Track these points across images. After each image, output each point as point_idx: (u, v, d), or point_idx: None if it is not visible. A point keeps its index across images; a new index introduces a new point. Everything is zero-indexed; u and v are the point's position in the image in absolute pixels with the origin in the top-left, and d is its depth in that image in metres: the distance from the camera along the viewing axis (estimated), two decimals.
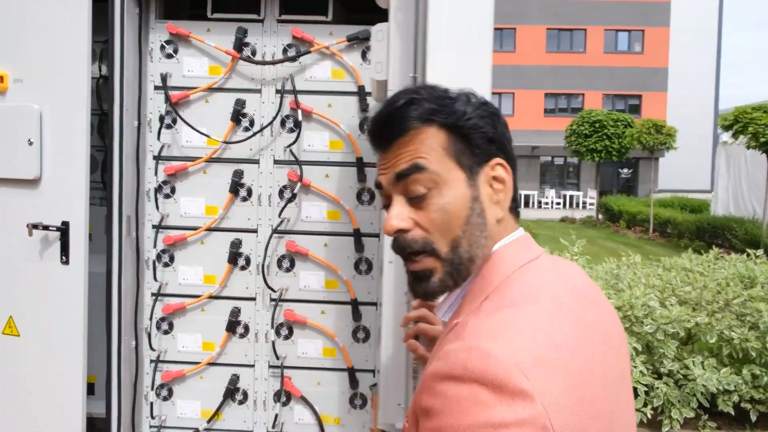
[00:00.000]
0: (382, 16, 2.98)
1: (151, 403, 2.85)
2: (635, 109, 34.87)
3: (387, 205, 1.19)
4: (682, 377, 4.36)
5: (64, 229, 2.47)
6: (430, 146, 1.11)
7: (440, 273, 1.11)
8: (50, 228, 2.46)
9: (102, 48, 2.90)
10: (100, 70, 3.02)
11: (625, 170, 36.75)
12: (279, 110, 2.75)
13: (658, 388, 4.33)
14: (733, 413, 4.36)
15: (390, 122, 1.14)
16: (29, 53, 2.48)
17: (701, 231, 14.83)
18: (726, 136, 17.43)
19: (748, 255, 5.24)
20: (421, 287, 1.14)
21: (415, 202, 1.12)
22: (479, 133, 1.12)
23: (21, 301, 2.55)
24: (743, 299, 4.46)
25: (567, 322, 0.97)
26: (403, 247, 1.13)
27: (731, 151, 17.81)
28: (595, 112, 22.72)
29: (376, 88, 1.83)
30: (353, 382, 2.85)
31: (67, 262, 2.49)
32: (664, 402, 4.34)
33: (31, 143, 2.45)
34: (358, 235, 2.80)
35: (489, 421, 0.80)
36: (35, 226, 2.44)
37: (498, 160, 1.13)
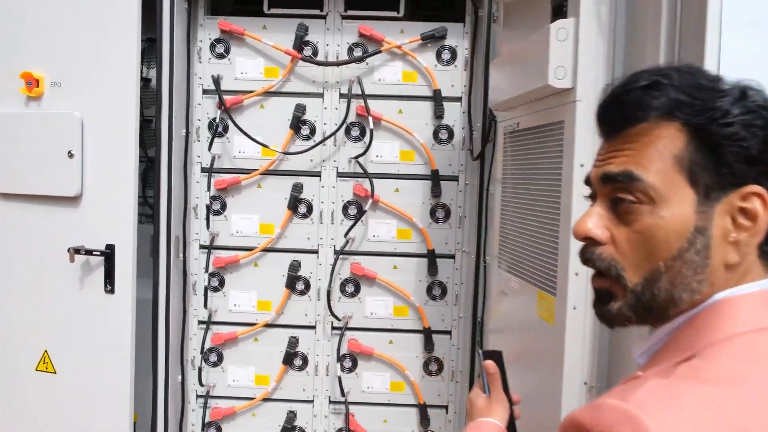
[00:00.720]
0: (453, 12, 2.70)
1: None
2: None
3: (592, 199, 0.93)
4: None
5: (108, 254, 2.16)
6: (658, 151, 0.81)
7: (621, 302, 0.86)
8: (94, 252, 2.15)
9: (143, 47, 2.58)
10: (141, 72, 2.70)
11: None
12: (345, 117, 2.45)
13: None
14: None
15: (620, 106, 0.86)
16: (69, 53, 2.17)
17: None
18: None
19: None
20: (598, 309, 0.89)
21: (620, 211, 0.85)
22: (736, 146, 0.80)
23: (58, 335, 2.25)
24: None
25: None
26: (588, 260, 0.88)
27: None
28: None
29: (534, 94, 1.53)
30: (425, 420, 2.55)
31: (112, 291, 2.18)
32: None
33: (71, 155, 2.15)
34: (432, 257, 2.51)
35: None
36: (77, 251, 2.13)
37: (756, 188, 0.81)
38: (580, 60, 1.37)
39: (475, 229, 2.38)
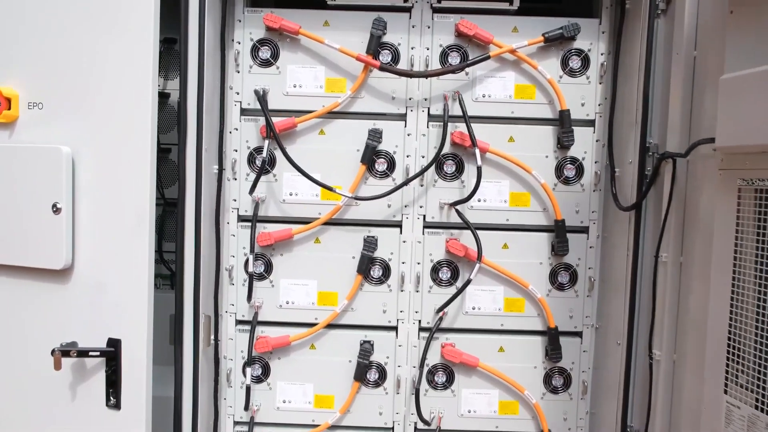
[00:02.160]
0: (573, 5, 2.03)
1: None
2: None
3: None
4: None
5: (112, 354, 1.48)
6: None
7: None
8: (90, 353, 1.47)
9: (160, 51, 1.90)
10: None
11: None
12: (441, 147, 1.78)
13: None
14: None
15: None
16: (55, 62, 1.50)
17: None
18: None
19: None
20: None
21: None
22: None
23: None
24: None
25: None
26: None
27: None
28: None
29: None
30: None
31: (117, 406, 1.51)
32: None
33: (57, 210, 1.47)
34: (554, 335, 1.84)
35: None
36: (65, 353, 1.45)
37: None
38: None
39: (625, 302, 1.71)
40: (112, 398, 1.51)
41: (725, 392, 1.25)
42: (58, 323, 1.50)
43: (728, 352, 1.25)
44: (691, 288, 1.52)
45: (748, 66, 1.19)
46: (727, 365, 1.25)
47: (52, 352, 1.44)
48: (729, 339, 1.24)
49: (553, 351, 1.85)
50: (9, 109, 1.50)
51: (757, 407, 1.16)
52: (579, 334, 1.89)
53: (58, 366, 1.44)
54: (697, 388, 1.43)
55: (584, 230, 1.86)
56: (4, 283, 1.55)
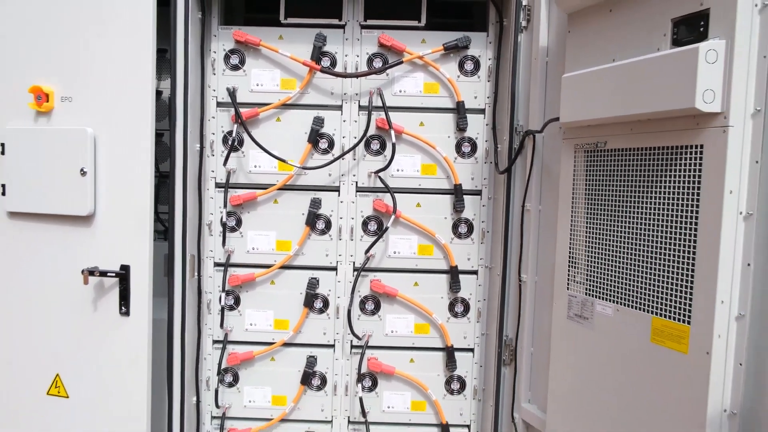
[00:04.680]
0: (474, 21, 2.63)
1: None
2: None
3: None
4: None
5: (123, 275, 2.08)
6: None
7: None
8: (108, 274, 2.07)
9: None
10: None
11: None
12: (366, 130, 2.37)
13: None
14: None
15: None
16: (80, 65, 2.09)
17: None
18: None
19: None
20: None
21: None
22: None
23: (71, 358, 2.16)
24: None
25: None
26: None
27: None
28: None
29: (655, 115, 1.52)
30: None
31: (127, 313, 2.10)
32: None
33: (83, 173, 2.06)
34: (454, 273, 2.44)
35: None
36: (91, 272, 2.05)
37: None
38: (734, 85, 1.36)
39: (501, 244, 2.31)
40: (123, 308, 2.10)
41: (567, 288, 1.87)
42: (84, 253, 2.09)
43: (569, 262, 1.86)
44: (547, 227, 2.12)
45: (580, 68, 1.80)
46: (569, 270, 1.86)
47: (82, 271, 2.04)
48: (570, 253, 1.86)
49: (454, 284, 2.44)
50: (47, 101, 2.09)
51: (591, 295, 1.78)
52: (475, 273, 2.48)
53: (86, 281, 2.04)
54: (549, 295, 2.04)
55: (478, 192, 2.45)
56: (46, 227, 2.14)
